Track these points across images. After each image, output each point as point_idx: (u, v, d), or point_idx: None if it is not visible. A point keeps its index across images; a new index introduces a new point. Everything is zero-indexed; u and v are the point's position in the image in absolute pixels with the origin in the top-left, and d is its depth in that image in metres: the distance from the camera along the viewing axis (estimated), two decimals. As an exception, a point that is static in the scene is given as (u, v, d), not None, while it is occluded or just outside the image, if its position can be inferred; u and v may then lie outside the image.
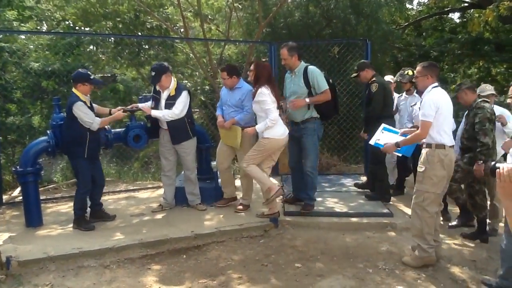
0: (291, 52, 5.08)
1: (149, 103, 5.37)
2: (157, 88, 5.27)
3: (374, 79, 5.67)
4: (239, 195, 5.72)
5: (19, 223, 5.12)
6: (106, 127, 5.08)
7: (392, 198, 5.85)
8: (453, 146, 4.03)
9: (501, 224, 4.78)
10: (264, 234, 4.89)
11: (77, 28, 11.46)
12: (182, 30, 11.70)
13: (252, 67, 5.13)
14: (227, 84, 5.33)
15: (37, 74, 8.52)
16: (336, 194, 6.14)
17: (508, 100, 4.59)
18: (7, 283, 3.82)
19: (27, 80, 8.75)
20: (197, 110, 5.92)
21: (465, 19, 14.43)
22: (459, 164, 4.70)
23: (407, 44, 13.90)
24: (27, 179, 4.97)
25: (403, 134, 4.40)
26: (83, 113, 4.71)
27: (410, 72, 5.85)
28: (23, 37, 9.82)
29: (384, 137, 4.44)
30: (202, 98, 10.25)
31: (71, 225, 4.97)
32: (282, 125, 5.05)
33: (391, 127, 4.62)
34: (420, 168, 4.01)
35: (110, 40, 11.14)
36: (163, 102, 5.21)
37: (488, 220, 4.84)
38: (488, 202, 4.91)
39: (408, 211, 5.32)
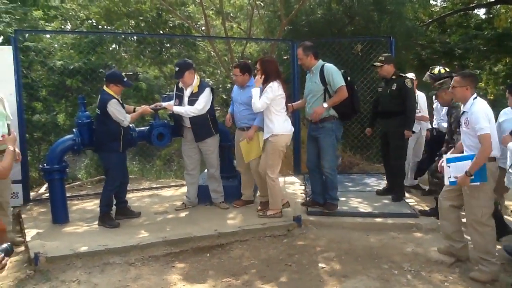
0: (306, 51, 4.99)
1: (172, 102, 5.41)
2: (180, 85, 5.31)
3: (400, 75, 5.63)
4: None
5: (46, 220, 5.20)
6: (130, 125, 5.13)
7: (416, 199, 5.76)
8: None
9: None
10: (288, 234, 4.86)
11: (100, 27, 11.61)
12: (203, 28, 11.74)
13: (258, 66, 5.04)
14: (238, 81, 5.31)
15: (61, 72, 8.66)
16: (360, 193, 6.08)
17: None
18: (35, 278, 3.89)
19: (52, 78, 8.91)
20: (218, 108, 5.92)
21: (491, 15, 14.14)
22: None
23: (431, 41, 13.66)
24: (53, 177, 5.05)
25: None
26: (117, 111, 4.79)
27: (437, 71, 5.73)
28: (48, 36, 9.99)
29: (452, 170, 3.95)
30: (224, 96, 10.28)
31: (97, 222, 5.04)
32: (289, 121, 5.08)
33: (453, 155, 4.06)
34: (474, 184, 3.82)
35: (132, 38, 11.26)
36: (186, 99, 5.24)
37: None
38: None
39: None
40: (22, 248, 4.59)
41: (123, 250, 4.32)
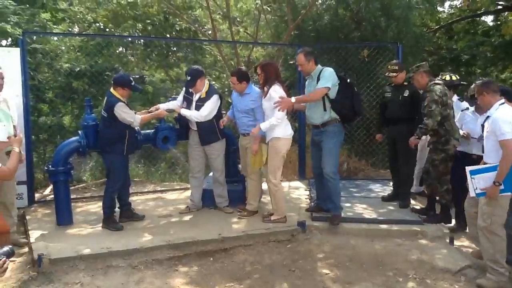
0: (308, 57, 4.89)
1: (177, 102, 5.41)
2: (190, 89, 5.31)
3: (411, 84, 5.60)
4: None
5: (50, 221, 5.21)
6: (136, 128, 5.12)
7: (422, 205, 5.72)
8: None
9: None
10: (291, 239, 4.84)
11: (107, 30, 11.66)
12: (210, 32, 11.77)
13: (259, 71, 5.07)
14: (237, 89, 5.27)
15: (67, 74, 8.68)
16: (365, 199, 6.04)
17: None
18: (38, 280, 3.89)
19: (58, 80, 8.94)
20: (224, 112, 5.93)
21: (498, 22, 14.07)
22: (434, 158, 4.99)
23: (438, 47, 13.63)
24: (58, 178, 5.06)
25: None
26: (125, 113, 4.78)
27: (448, 78, 5.71)
28: (55, 38, 10.03)
29: (477, 182, 3.90)
30: (230, 100, 10.25)
31: (100, 224, 5.03)
32: (289, 125, 5.09)
33: (475, 167, 4.01)
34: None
35: (139, 42, 11.30)
36: (194, 103, 5.25)
37: None
38: None
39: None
40: (26, 249, 4.59)
41: (127, 253, 4.31)
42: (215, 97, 5.22)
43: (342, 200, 5.25)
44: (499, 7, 13.29)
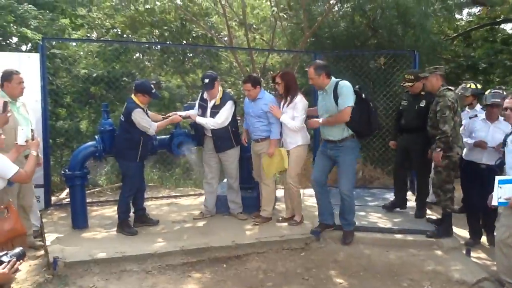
0: (318, 71, 4.69)
1: (193, 111, 5.44)
2: (205, 96, 5.34)
3: (428, 91, 5.54)
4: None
5: (66, 225, 5.25)
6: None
7: (437, 215, 5.64)
8: None
9: None
10: (305, 247, 4.81)
11: (124, 36, 11.80)
12: (226, 39, 11.83)
13: (278, 80, 5.13)
14: (252, 95, 5.26)
15: (85, 80, 8.80)
16: (380, 208, 5.95)
17: None
18: (53, 283, 3.93)
19: (76, 85, 9.06)
20: (239, 118, 5.96)
21: (518, 30, 13.88)
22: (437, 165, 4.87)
23: (456, 55, 13.47)
24: (75, 182, 5.11)
25: None
26: (142, 119, 4.82)
27: (473, 86, 5.65)
28: (74, 44, 10.19)
29: (503, 191, 3.80)
30: (245, 107, 10.26)
31: (115, 228, 5.07)
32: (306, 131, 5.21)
33: (505, 177, 3.91)
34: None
35: (156, 48, 11.41)
36: (208, 110, 5.27)
37: None
38: None
39: (456, 230, 5.16)
40: (42, 252, 4.65)
41: (140, 258, 4.34)
42: (229, 103, 5.25)
43: (357, 209, 5.18)
44: (519, 14, 13.11)
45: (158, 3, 10.85)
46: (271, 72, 11.17)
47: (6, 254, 2.58)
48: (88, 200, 5.69)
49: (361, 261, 4.48)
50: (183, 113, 5.45)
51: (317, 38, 10.06)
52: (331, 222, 5.05)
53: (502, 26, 14.45)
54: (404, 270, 4.29)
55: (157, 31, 11.26)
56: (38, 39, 7.79)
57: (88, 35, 12.08)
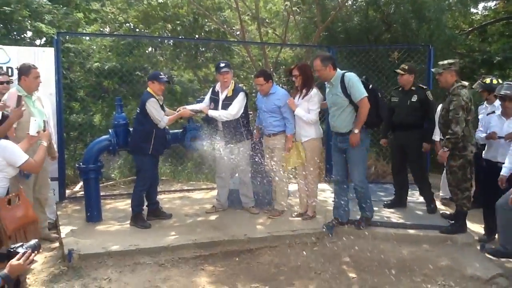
0: (324, 62, 4.72)
1: (203, 105, 5.46)
2: (216, 89, 5.35)
3: (420, 86, 5.56)
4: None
5: (80, 217, 5.31)
6: (166, 127, 5.18)
7: (451, 210, 5.59)
8: None
9: None
10: (317, 242, 4.80)
11: (137, 30, 11.84)
12: (239, 33, 11.81)
13: (296, 72, 5.12)
14: (264, 90, 5.26)
15: (97, 73, 8.85)
16: (392, 204, 5.92)
17: None
18: (68, 274, 3.98)
19: (90, 80, 9.12)
20: (251, 112, 5.96)
21: (535, 24, 13.65)
22: (452, 164, 4.79)
23: (470, 50, 13.29)
24: (89, 176, 5.16)
25: None
26: (155, 109, 4.88)
27: (488, 80, 5.57)
28: (88, 38, 10.25)
29: None
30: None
31: (128, 221, 5.11)
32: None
33: None
34: None
35: (169, 42, 11.43)
36: (220, 103, 5.28)
37: None
38: None
39: (470, 226, 5.11)
40: (57, 244, 4.71)
41: (154, 251, 4.37)
42: (242, 95, 5.26)
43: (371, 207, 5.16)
44: (536, 8, 12.90)
45: (171, -3, 10.88)
46: (283, 67, 11.15)
47: (21, 245, 2.63)
48: (101, 193, 5.73)
49: (374, 256, 4.46)
50: (191, 107, 5.47)
51: (330, 32, 9.99)
52: (345, 219, 5.05)
53: (519, 20, 14.20)
54: (417, 265, 4.26)
55: (169, 26, 11.27)
56: (53, 34, 7.85)
57: (101, 29, 12.13)
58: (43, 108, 4.77)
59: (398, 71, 5.53)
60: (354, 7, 10.40)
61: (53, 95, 5.78)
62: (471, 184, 4.89)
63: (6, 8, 7.81)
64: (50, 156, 4.82)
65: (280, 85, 5.89)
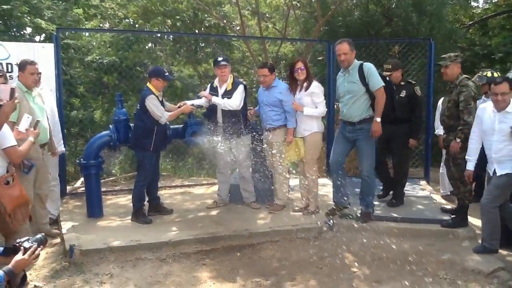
0: (351, 46, 4.79)
1: (202, 100, 5.45)
2: (215, 84, 5.34)
3: (408, 81, 5.57)
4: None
5: (81, 213, 5.32)
6: (167, 122, 5.17)
7: (453, 205, 5.58)
8: None
9: None
10: (319, 236, 4.81)
11: (137, 26, 11.81)
12: (239, 28, 11.78)
13: (301, 65, 5.12)
14: (267, 82, 5.25)
15: (96, 68, 8.83)
16: (394, 198, 5.92)
17: None
18: (70, 270, 3.98)
19: (89, 75, 9.11)
20: (251, 107, 5.95)
21: (536, 18, 13.60)
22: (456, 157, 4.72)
23: (471, 43, 13.25)
24: (90, 172, 5.16)
25: None
26: (155, 106, 4.86)
27: (489, 74, 5.56)
28: (87, 34, 10.23)
29: None
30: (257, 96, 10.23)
31: (130, 217, 5.11)
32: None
33: None
34: None
35: (169, 37, 11.40)
36: (220, 97, 5.27)
37: None
38: None
39: (472, 219, 5.10)
40: (58, 240, 4.71)
41: (155, 246, 4.37)
42: (241, 87, 5.28)
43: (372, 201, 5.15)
44: (537, 2, 12.84)
45: (170, -8, 10.84)
46: (284, 62, 11.13)
47: (27, 240, 2.62)
48: (102, 189, 5.74)
49: (376, 250, 4.46)
50: (192, 102, 5.46)
51: (330, 26, 9.95)
52: (345, 203, 5.11)
53: (520, 13, 14.15)
54: (419, 259, 4.25)
55: (169, 21, 11.25)
56: (52, 30, 7.83)
57: (101, 25, 12.11)
58: (43, 105, 4.75)
59: (385, 73, 5.41)
60: (355, 1, 10.34)
61: (53, 91, 5.77)
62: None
63: (5, 6, 7.77)
64: (50, 152, 4.82)
65: (281, 80, 5.87)
